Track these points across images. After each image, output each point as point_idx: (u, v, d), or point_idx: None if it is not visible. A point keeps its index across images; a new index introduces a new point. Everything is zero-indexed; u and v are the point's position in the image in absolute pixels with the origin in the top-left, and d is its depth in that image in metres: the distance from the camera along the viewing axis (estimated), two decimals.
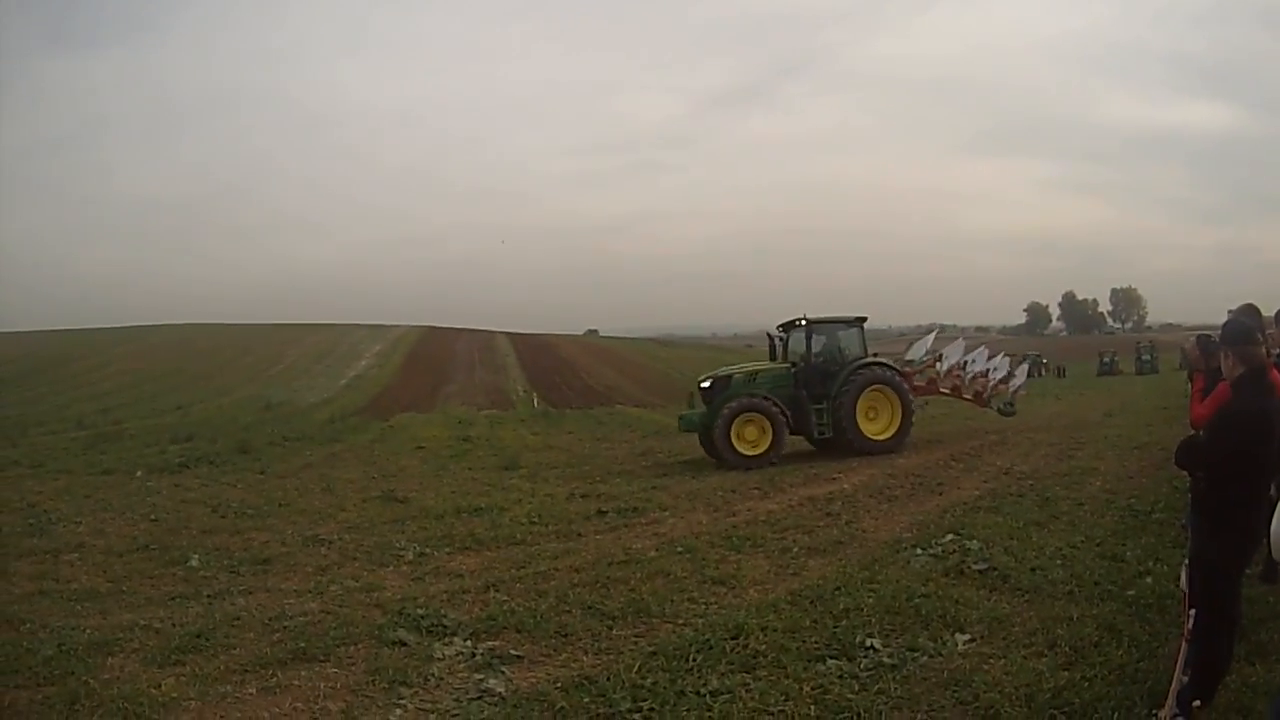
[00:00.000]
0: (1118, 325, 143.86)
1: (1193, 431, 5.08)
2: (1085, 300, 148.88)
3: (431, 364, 52.37)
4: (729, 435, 13.65)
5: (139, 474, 14.97)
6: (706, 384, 14.85)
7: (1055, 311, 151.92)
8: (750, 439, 13.72)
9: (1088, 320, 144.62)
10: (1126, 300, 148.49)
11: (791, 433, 14.14)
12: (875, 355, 15.01)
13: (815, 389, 14.24)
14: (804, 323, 14.58)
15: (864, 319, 15.06)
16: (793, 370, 14.56)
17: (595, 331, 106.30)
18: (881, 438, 13.95)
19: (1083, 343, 75.08)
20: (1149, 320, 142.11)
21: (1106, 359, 54.38)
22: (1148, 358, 53.57)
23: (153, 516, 10.55)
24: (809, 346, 14.45)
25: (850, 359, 14.48)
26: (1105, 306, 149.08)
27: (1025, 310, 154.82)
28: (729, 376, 14.71)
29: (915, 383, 15.23)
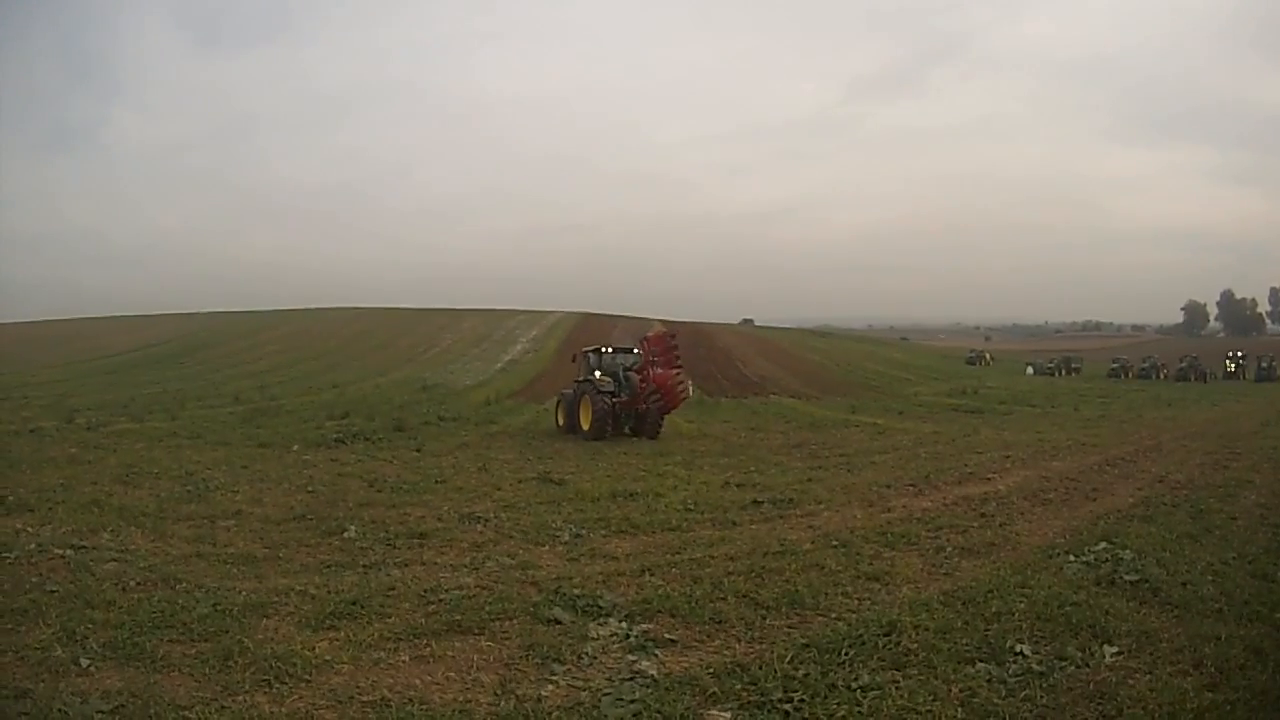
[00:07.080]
0: (1278, 327, 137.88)
1: None
2: (1244, 300, 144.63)
3: None
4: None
5: (295, 448, 16.27)
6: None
7: (1213, 311, 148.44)
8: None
9: (1246, 322, 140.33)
10: None
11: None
12: (595, 377, 20.21)
13: None
14: (586, 350, 21.64)
15: (604, 348, 21.43)
16: None
17: (750, 321, 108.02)
18: (586, 428, 19.51)
19: (1241, 346, 71.32)
20: None
21: (1264, 364, 55.66)
22: None
23: (309, 488, 11.40)
24: (585, 365, 20.96)
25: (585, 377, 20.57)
26: (1264, 307, 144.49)
27: (1183, 309, 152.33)
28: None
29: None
